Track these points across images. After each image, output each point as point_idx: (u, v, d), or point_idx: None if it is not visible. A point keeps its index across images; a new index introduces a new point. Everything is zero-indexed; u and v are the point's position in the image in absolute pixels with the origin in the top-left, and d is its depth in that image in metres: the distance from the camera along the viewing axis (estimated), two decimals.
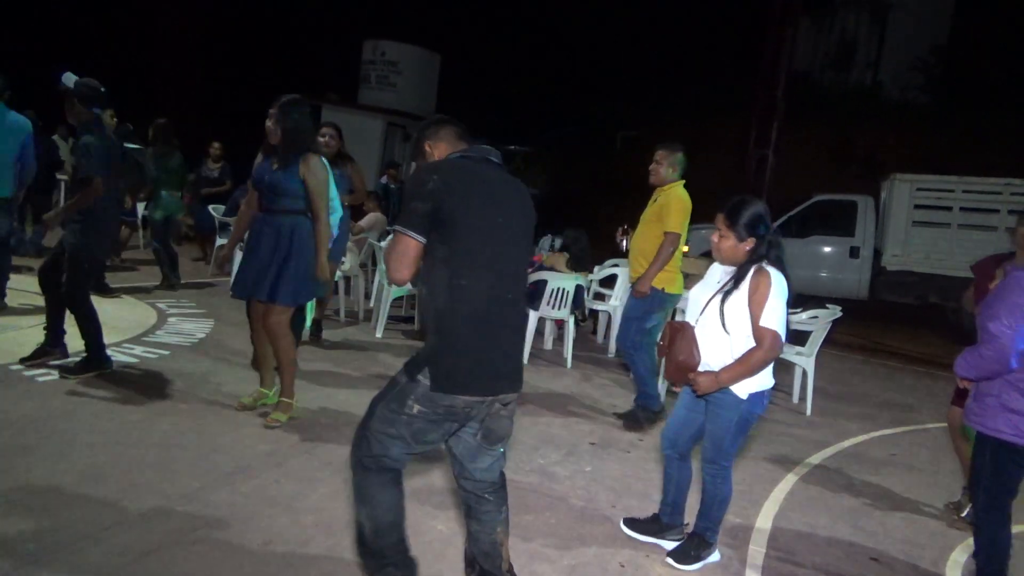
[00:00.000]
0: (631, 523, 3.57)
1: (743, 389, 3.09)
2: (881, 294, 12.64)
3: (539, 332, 7.25)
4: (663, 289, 5.04)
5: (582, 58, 24.08)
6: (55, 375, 4.65)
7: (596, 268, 7.95)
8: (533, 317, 6.68)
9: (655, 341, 4.84)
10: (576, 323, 7.15)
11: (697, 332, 3.18)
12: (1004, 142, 17.10)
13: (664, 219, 4.98)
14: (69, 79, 4.72)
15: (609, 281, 8.15)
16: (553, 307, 6.68)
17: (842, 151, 19.24)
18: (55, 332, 4.93)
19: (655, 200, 5.15)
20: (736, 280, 3.07)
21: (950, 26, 22.47)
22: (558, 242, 8.43)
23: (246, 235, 4.45)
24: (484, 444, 2.51)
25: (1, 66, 6.06)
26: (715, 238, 3.19)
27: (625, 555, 3.31)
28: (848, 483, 4.69)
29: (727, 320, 3.05)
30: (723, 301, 3.08)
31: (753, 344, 3.02)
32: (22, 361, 4.80)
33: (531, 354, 6.77)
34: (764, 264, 3.05)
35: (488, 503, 2.59)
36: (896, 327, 11.61)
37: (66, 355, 4.95)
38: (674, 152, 5.07)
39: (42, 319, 4.98)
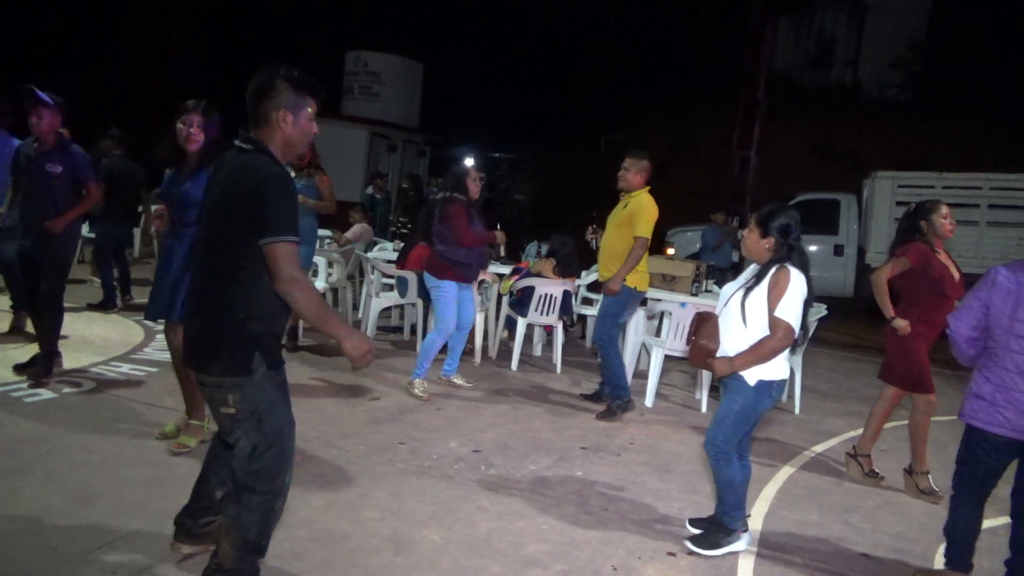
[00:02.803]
0: (695, 522, 3.69)
1: (752, 376, 3.33)
2: (866, 291, 12.71)
3: (528, 338, 7.27)
4: (635, 288, 5.44)
5: (565, 63, 24.17)
6: (44, 395, 4.64)
7: (583, 273, 7.98)
8: (521, 324, 6.70)
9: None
10: (565, 329, 7.18)
11: (720, 322, 3.43)
12: (983, 137, 17.29)
13: (635, 224, 5.33)
14: (42, 94, 4.75)
15: (597, 286, 8.16)
16: (541, 313, 6.70)
17: (824, 149, 19.41)
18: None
19: (625, 205, 5.48)
20: (758, 277, 3.35)
21: (928, 23, 22.71)
22: (545, 248, 8.46)
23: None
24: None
25: None
26: (744, 233, 3.49)
27: (618, 558, 3.33)
28: (838, 479, 4.73)
29: (747, 313, 3.31)
30: (745, 295, 3.33)
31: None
32: (17, 370, 4.95)
33: (520, 360, 6.79)
34: (787, 264, 3.28)
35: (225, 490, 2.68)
36: (881, 324, 11.66)
37: (62, 363, 5.13)
38: (641, 160, 5.46)
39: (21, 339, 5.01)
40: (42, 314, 4.98)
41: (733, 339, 3.36)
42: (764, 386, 3.33)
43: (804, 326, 3.34)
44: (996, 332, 3.10)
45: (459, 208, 5.58)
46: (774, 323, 3.23)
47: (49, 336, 4.96)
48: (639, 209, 5.33)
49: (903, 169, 13.35)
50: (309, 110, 2.50)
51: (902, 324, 4.42)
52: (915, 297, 4.42)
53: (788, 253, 3.32)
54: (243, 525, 2.51)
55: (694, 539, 3.52)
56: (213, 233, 2.43)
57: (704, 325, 3.49)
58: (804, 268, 3.31)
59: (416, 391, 5.56)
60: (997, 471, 3.20)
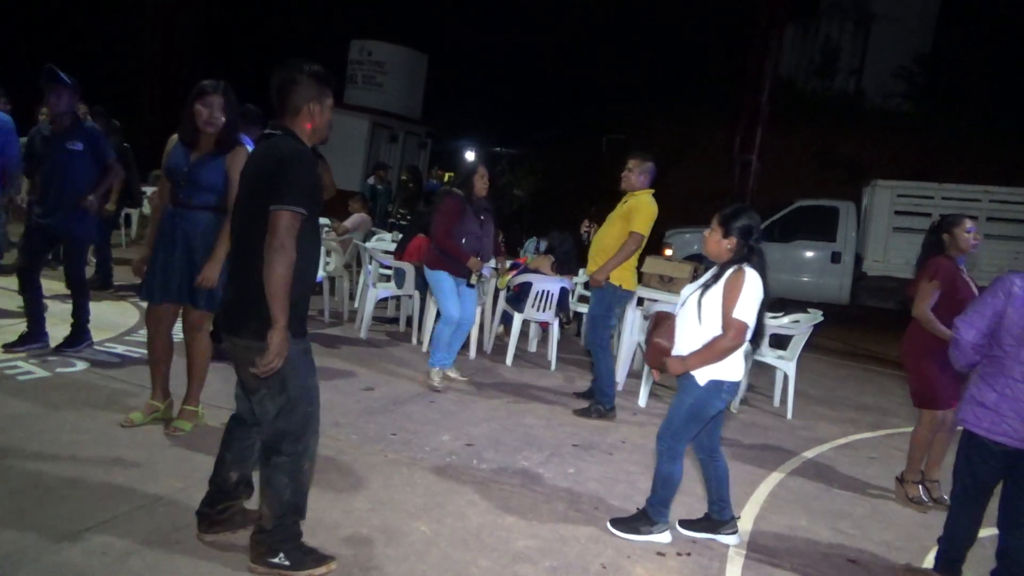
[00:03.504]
0: (687, 524, 3.73)
1: (703, 376, 3.36)
2: (862, 299, 12.77)
3: (524, 334, 7.26)
4: (619, 285, 5.34)
5: (570, 61, 24.14)
6: (37, 374, 4.63)
7: (581, 270, 7.98)
8: (518, 319, 6.69)
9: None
10: (560, 325, 7.17)
11: (677, 321, 3.47)
12: (984, 149, 17.34)
13: (632, 220, 5.27)
14: (62, 74, 4.82)
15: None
16: (538, 309, 6.69)
17: (826, 157, 19.44)
18: (41, 325, 5.13)
19: (625, 203, 5.43)
20: (716, 277, 3.36)
21: (933, 35, 22.76)
22: (543, 244, 8.46)
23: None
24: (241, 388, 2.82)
25: None
26: (707, 233, 3.47)
27: (607, 556, 3.34)
28: (828, 485, 4.74)
29: (703, 312, 3.33)
30: (701, 295, 3.36)
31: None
32: (4, 348, 4.98)
33: (515, 355, 6.78)
34: (745, 265, 3.30)
35: (249, 439, 2.90)
36: (876, 332, 11.74)
37: (48, 346, 5.12)
38: (645, 162, 5.39)
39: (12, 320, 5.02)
40: (71, 297, 5.20)
41: (688, 337, 3.40)
42: (714, 386, 3.36)
43: (759, 328, 3.37)
44: (1006, 341, 3.09)
45: (452, 205, 5.57)
46: (726, 323, 3.27)
47: (81, 314, 5.20)
48: (638, 206, 5.29)
49: (903, 179, 13.38)
50: (330, 100, 2.76)
51: None
52: (936, 314, 4.35)
53: (748, 254, 3.35)
54: (276, 487, 2.70)
55: (615, 521, 3.58)
56: (248, 208, 2.62)
57: (661, 324, 3.53)
58: (762, 270, 3.34)
59: (433, 381, 5.62)
60: (997, 478, 3.19)
